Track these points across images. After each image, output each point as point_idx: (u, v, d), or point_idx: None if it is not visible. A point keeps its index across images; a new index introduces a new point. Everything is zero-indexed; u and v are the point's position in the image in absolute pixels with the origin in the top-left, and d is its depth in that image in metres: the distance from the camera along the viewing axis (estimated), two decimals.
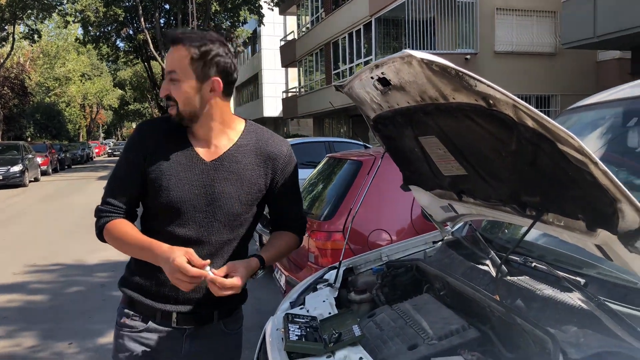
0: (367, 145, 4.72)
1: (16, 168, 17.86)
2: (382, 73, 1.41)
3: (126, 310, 1.57)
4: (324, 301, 1.95)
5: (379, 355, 1.46)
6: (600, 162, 1.06)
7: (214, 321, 1.58)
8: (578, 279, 1.45)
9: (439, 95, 1.31)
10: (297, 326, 1.66)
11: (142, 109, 57.40)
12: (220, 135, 1.52)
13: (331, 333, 1.57)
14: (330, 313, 1.80)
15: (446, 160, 1.66)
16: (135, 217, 1.58)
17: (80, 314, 4.62)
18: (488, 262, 1.88)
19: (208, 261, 1.38)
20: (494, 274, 1.76)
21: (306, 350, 1.52)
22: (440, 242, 2.24)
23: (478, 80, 1.13)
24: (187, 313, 1.53)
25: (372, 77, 1.47)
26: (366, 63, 16.49)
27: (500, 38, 15.26)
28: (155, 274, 1.46)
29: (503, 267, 1.68)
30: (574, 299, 1.40)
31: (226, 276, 1.40)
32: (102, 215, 1.52)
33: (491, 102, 1.16)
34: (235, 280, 1.39)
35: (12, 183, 17.62)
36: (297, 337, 1.59)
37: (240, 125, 1.57)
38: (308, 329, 1.64)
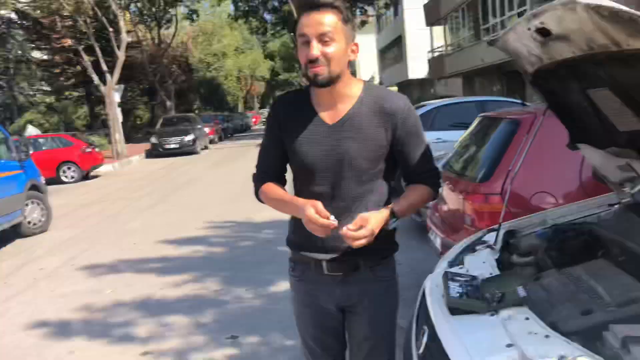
0: (525, 103, 4.43)
1: (189, 137, 20.09)
2: (541, 23, 1.33)
3: (290, 262, 1.83)
4: (483, 262, 1.93)
5: (548, 318, 1.39)
6: None
7: (360, 269, 1.70)
8: None
9: (610, 42, 1.19)
10: (458, 284, 1.66)
11: (290, 78, 60.06)
12: (342, 98, 1.64)
13: (494, 293, 1.54)
14: (491, 274, 1.80)
15: (622, 114, 1.53)
16: (284, 180, 1.80)
17: (252, 265, 5.19)
18: None
19: (329, 215, 1.53)
20: None
21: (468, 307, 1.53)
22: (617, 206, 2.08)
23: None
24: (334, 261, 1.68)
25: (529, 28, 1.40)
26: (520, 15, 15.15)
27: None
28: (305, 227, 1.59)
29: None
30: None
31: (360, 228, 1.51)
32: (256, 181, 1.79)
33: None
34: (366, 232, 1.51)
35: (186, 151, 19.90)
36: (458, 295, 1.61)
37: (358, 86, 1.67)
38: (469, 287, 1.63)
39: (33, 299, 4.70)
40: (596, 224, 1.94)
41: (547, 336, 1.29)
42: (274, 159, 1.76)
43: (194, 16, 28.27)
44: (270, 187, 1.74)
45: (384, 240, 1.65)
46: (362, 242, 1.52)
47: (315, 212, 1.52)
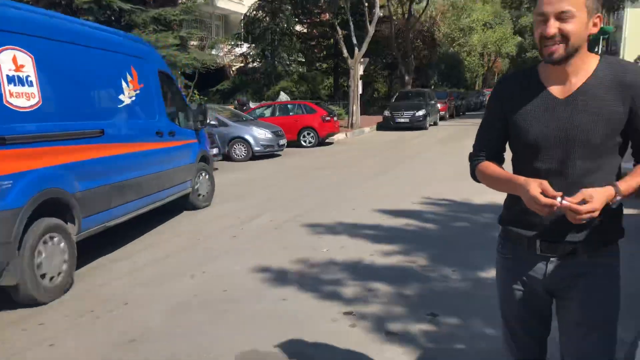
0: None
1: (420, 112, 20.26)
2: None
3: (499, 238, 1.81)
4: None
5: None
6: None
7: (578, 253, 1.60)
8: None
9: None
10: None
11: (539, 57, 54.84)
12: (578, 71, 1.57)
13: None
14: None
15: None
16: (502, 160, 1.79)
17: (463, 247, 5.02)
18: None
19: (560, 193, 1.47)
20: None
21: None
22: None
23: None
24: (550, 242, 1.62)
25: None
26: None
27: None
28: (521, 205, 1.58)
29: None
30: None
31: (582, 203, 1.45)
32: (472, 160, 1.81)
33: None
34: (589, 206, 1.44)
35: (416, 126, 20.16)
36: None
37: (594, 60, 1.59)
38: None
39: (260, 248, 5.31)
40: None
41: None
42: (495, 139, 1.75)
43: None
44: (488, 165, 1.74)
45: (609, 223, 1.56)
46: (585, 217, 1.45)
47: (541, 190, 1.48)
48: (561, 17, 1.48)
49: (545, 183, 1.49)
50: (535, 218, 1.59)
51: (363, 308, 3.68)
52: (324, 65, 31.80)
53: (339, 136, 17.49)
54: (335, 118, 16.75)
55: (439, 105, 23.67)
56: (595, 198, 1.45)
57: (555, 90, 1.60)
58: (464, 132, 18.23)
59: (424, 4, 29.51)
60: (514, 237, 1.71)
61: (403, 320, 3.46)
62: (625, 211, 1.68)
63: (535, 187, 1.48)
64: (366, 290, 4.01)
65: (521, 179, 1.56)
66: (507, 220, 1.75)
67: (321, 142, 15.78)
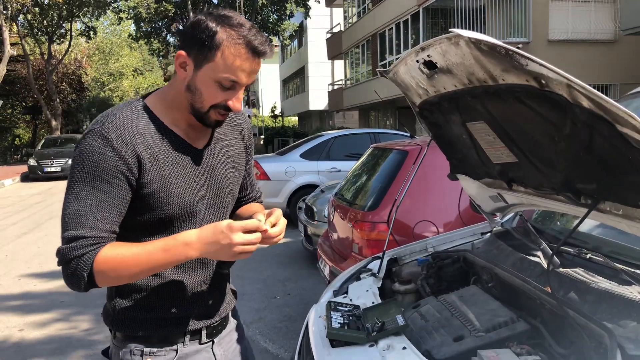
0: (414, 136, 4.66)
1: None
2: (428, 56, 1.37)
3: (146, 349, 1.33)
4: (367, 290, 1.94)
5: (424, 346, 1.44)
6: None
7: (229, 319, 1.52)
8: (638, 271, 1.37)
9: (487, 76, 1.26)
10: (340, 314, 1.66)
11: None
12: None
13: (374, 322, 1.56)
14: (373, 302, 1.78)
15: (495, 147, 1.60)
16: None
17: None
18: (539, 253, 1.81)
19: (263, 215, 1.25)
20: (545, 265, 1.69)
21: (348, 338, 1.52)
22: (489, 234, 2.17)
23: (529, 58, 1.07)
24: (215, 324, 1.43)
25: (417, 61, 1.43)
26: None
27: (555, 25, 14.63)
28: (176, 292, 1.33)
29: (555, 258, 1.61)
30: (634, 292, 1.32)
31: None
32: (82, 252, 1.17)
33: (543, 82, 1.11)
34: (282, 227, 1.26)
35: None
36: (339, 325, 1.58)
37: None
38: (351, 317, 1.64)
39: None
40: (470, 251, 2.00)
41: None
42: (117, 215, 1.22)
43: (92, 34, 26.68)
44: (115, 249, 1.20)
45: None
46: (279, 238, 1.27)
47: (239, 227, 1.18)
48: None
49: (232, 221, 1.21)
50: (199, 303, 1.37)
51: None
52: None
53: None
54: None
55: None
56: (278, 215, 1.28)
57: (192, 140, 1.33)
58: None
59: (66, 45, 27.64)
60: (171, 337, 1.35)
61: None
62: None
63: (233, 228, 1.17)
64: None
65: (193, 231, 1.22)
66: (152, 321, 1.33)
67: None
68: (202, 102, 1.25)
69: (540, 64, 1.06)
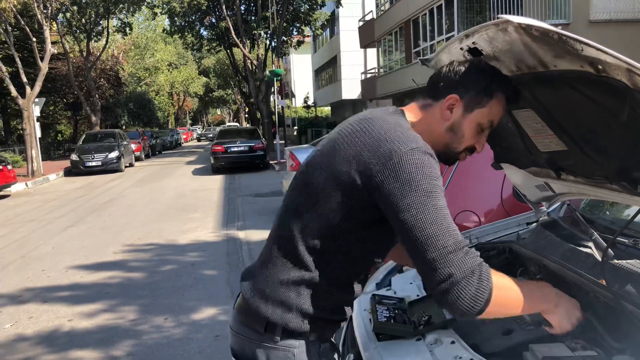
0: None
1: (113, 154, 19.19)
2: (473, 43, 1.33)
3: (316, 345, 1.32)
4: (410, 283, 1.91)
5: (471, 340, 1.41)
6: None
7: None
8: None
9: (537, 63, 1.20)
10: (385, 307, 1.64)
11: (225, 96, 59.49)
12: None
13: (421, 316, 1.54)
14: (418, 295, 1.76)
15: (544, 135, 1.54)
16: None
17: (173, 291, 4.89)
18: (590, 244, 1.75)
19: None
20: (598, 257, 1.63)
21: (395, 332, 1.51)
22: (535, 224, 2.11)
23: (585, 43, 1.02)
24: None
25: (461, 48, 1.39)
26: (448, 39, 15.86)
27: (597, 5, 14.04)
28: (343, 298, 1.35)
29: (609, 249, 1.55)
30: None
31: None
32: (480, 260, 1.08)
33: (600, 67, 1.05)
34: None
35: (110, 168, 18.97)
36: (385, 319, 1.56)
37: None
38: (396, 311, 1.62)
39: None
40: (515, 242, 1.94)
41: None
42: None
43: (127, 30, 27.26)
44: (497, 272, 1.11)
45: None
46: None
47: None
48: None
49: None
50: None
51: None
52: None
53: (17, 187, 15.01)
54: (8, 166, 14.34)
55: (133, 146, 22.93)
56: None
57: None
58: (162, 172, 18.10)
59: (103, 41, 28.34)
60: (330, 333, 1.38)
61: None
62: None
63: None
64: None
65: (554, 289, 1.23)
66: (328, 323, 1.35)
67: None
68: (461, 143, 1.30)
69: (598, 49, 1.01)
